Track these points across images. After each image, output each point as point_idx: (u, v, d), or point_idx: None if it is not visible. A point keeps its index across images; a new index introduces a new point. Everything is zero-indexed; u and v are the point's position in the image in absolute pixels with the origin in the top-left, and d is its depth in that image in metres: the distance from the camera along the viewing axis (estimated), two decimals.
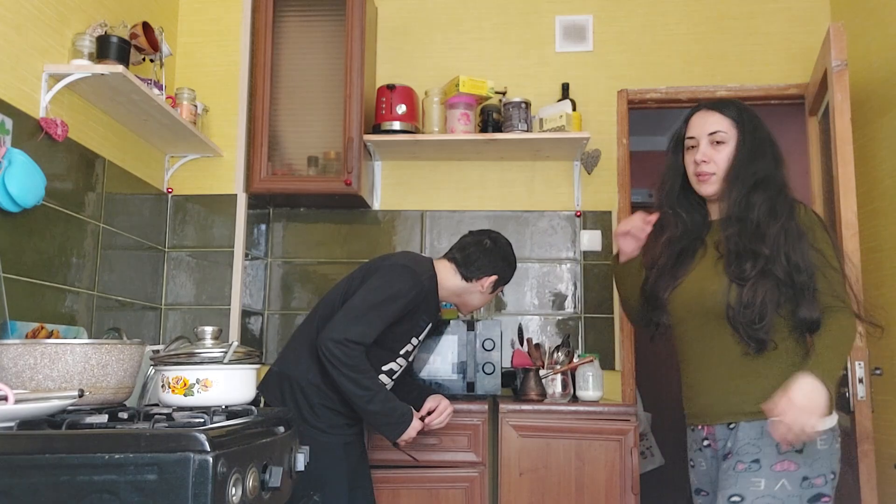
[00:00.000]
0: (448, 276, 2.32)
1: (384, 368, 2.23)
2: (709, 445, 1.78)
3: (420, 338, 2.31)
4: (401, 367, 2.29)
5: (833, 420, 1.66)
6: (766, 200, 1.72)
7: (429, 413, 2.29)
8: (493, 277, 2.33)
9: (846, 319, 1.69)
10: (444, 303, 2.43)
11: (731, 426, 1.71)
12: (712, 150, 1.78)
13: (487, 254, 2.33)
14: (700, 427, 1.80)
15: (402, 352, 2.25)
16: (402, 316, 2.17)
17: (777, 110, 3.60)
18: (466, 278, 2.32)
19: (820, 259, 1.69)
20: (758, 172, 1.75)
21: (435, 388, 2.72)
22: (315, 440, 2.06)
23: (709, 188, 1.80)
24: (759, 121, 1.82)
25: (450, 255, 2.36)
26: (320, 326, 2.15)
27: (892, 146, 2.57)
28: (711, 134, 1.79)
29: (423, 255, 2.56)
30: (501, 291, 2.51)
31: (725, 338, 1.73)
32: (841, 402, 2.61)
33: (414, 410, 2.19)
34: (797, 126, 3.37)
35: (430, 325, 2.32)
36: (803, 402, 1.54)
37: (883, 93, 2.64)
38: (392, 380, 2.28)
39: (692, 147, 1.82)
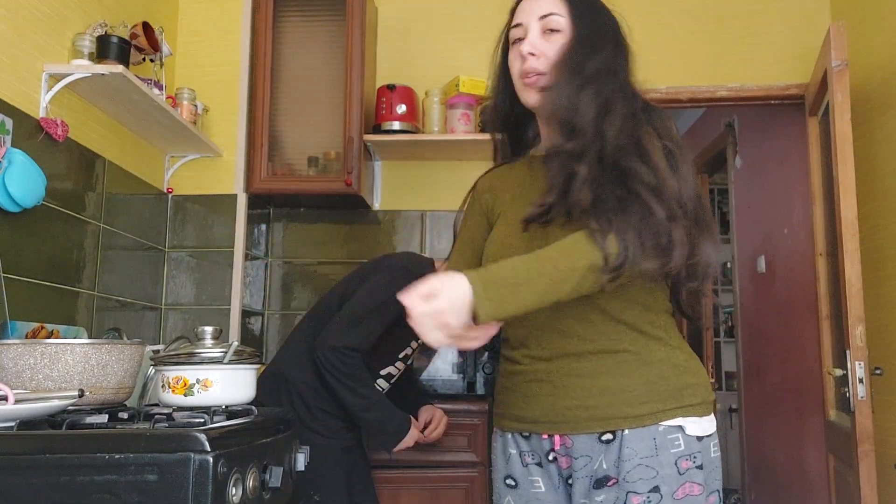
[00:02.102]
0: None
1: (382, 373, 2.22)
2: (554, 460, 1.30)
3: (420, 341, 2.31)
4: (399, 370, 2.28)
5: (714, 422, 1.30)
6: (594, 99, 1.23)
7: (426, 426, 2.28)
8: None
9: (581, 239, 1.14)
10: None
11: (605, 437, 1.24)
12: (543, 40, 1.31)
13: None
14: (544, 435, 1.29)
15: (400, 356, 2.24)
16: (401, 320, 2.16)
17: (777, 110, 3.61)
18: None
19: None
20: (594, 65, 1.27)
21: (436, 387, 2.72)
22: (312, 443, 2.06)
23: (534, 95, 1.32)
24: (600, 1, 1.36)
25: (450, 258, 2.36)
26: (317, 329, 2.15)
27: (892, 146, 2.57)
28: (543, 18, 1.31)
29: (424, 255, 2.55)
30: None
31: (581, 315, 1.27)
32: (841, 401, 2.61)
33: (413, 420, 2.18)
34: (797, 126, 3.38)
35: None
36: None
37: (883, 93, 2.64)
38: (390, 384, 2.27)
39: (518, 40, 1.34)
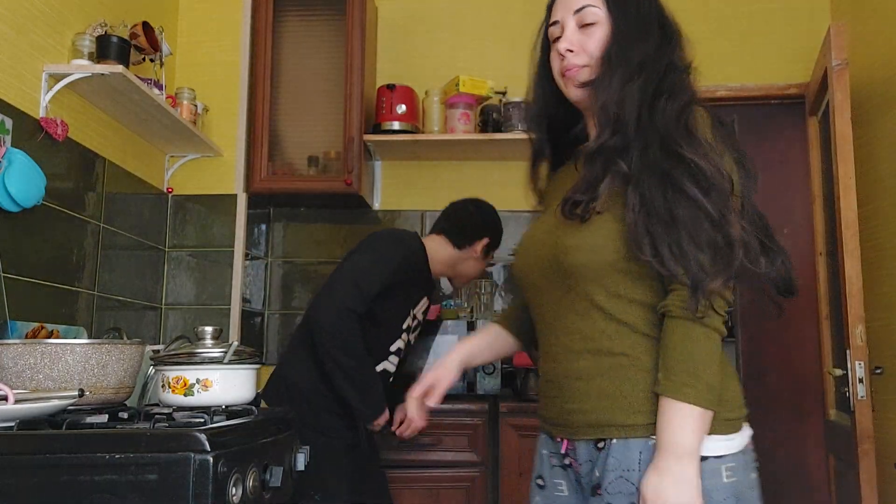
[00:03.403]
0: (440, 249, 2.33)
1: (392, 349, 2.23)
2: (570, 465, 1.27)
3: (417, 312, 2.30)
4: (406, 343, 2.30)
5: (737, 440, 1.16)
6: (640, 92, 1.20)
7: (401, 423, 2.27)
8: (485, 241, 2.36)
9: (687, 330, 1.11)
10: (439, 278, 2.45)
11: (601, 445, 1.19)
12: (581, 34, 1.27)
13: (474, 219, 2.37)
14: (558, 438, 1.28)
15: (404, 327, 2.26)
16: (393, 285, 2.16)
17: (777, 110, 3.60)
18: (458, 246, 2.34)
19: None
20: (638, 56, 1.23)
21: None
22: (314, 443, 2.06)
23: (576, 91, 1.28)
24: None
25: (438, 228, 2.39)
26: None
27: (892, 146, 2.57)
28: (579, 12, 1.27)
29: (406, 229, 2.58)
30: (492, 258, 2.51)
31: (584, 311, 1.22)
32: (841, 401, 2.61)
33: (387, 412, 2.17)
34: (797, 126, 3.37)
35: (425, 298, 2.32)
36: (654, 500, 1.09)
37: (883, 93, 2.63)
38: (399, 359, 2.28)
39: (557, 38, 1.30)
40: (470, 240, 2.35)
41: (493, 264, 2.80)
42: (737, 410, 1.18)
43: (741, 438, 1.16)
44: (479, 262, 2.40)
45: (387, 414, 2.16)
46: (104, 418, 1.58)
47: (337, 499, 2.11)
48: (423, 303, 2.32)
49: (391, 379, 2.27)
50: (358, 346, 2.07)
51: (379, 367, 2.22)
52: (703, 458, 1.11)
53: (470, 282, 2.55)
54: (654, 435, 1.13)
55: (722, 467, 1.13)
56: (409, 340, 2.31)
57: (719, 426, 1.13)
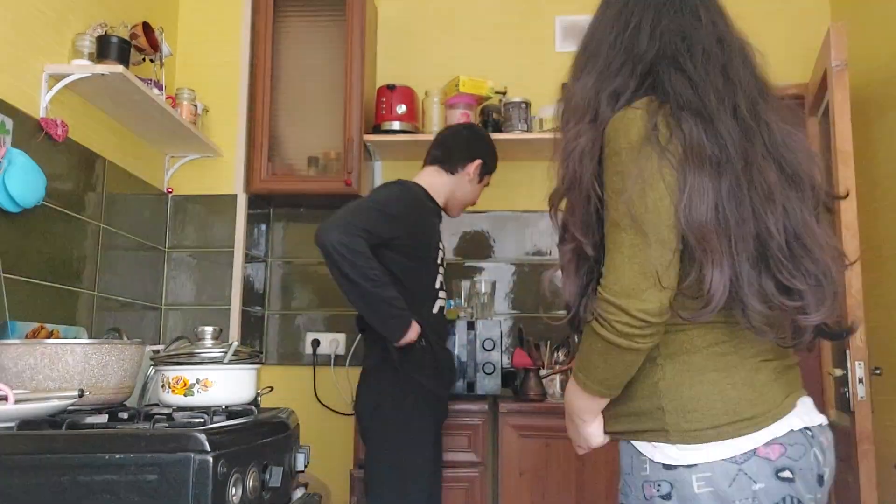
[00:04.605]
0: (433, 179, 2.34)
1: (436, 285, 2.26)
2: None
3: (440, 243, 2.32)
4: (443, 278, 2.33)
5: (709, 451, 1.12)
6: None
7: None
8: (478, 162, 2.34)
9: (588, 337, 1.17)
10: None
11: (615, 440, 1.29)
12: None
13: (465, 140, 2.36)
14: None
15: (438, 261, 2.28)
16: (410, 216, 2.19)
17: None
18: (451, 171, 2.34)
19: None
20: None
21: None
22: (401, 384, 2.14)
23: None
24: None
25: (428, 158, 2.40)
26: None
27: (891, 146, 2.57)
28: None
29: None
30: (488, 183, 2.49)
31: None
32: (841, 401, 2.61)
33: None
34: (797, 126, 3.37)
35: (439, 223, 2.34)
36: (577, 440, 1.29)
37: (883, 93, 2.64)
38: (444, 291, 2.31)
39: None
40: (462, 162, 2.33)
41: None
42: (705, 421, 1.12)
43: (722, 449, 1.11)
44: (474, 186, 2.38)
45: (416, 328, 2.13)
46: (104, 418, 1.59)
47: (423, 444, 2.16)
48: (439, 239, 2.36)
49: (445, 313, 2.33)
50: (370, 263, 2.03)
51: (435, 308, 2.25)
52: (671, 467, 1.12)
53: (465, 208, 2.48)
54: (633, 440, 1.19)
55: (692, 477, 1.11)
56: (443, 275, 2.34)
57: (678, 436, 1.12)
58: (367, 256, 2.02)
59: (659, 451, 1.14)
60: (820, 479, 1.15)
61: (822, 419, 1.18)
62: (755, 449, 1.10)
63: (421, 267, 2.20)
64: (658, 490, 1.13)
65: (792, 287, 1.09)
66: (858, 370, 2.32)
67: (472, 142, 2.36)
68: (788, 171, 1.14)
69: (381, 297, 2.05)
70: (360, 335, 2.35)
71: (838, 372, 2.48)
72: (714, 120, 1.11)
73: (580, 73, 1.24)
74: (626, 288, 1.08)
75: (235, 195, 3.03)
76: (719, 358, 1.14)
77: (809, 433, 1.15)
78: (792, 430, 1.12)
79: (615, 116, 1.14)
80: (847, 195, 1.15)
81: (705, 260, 1.07)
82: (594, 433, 1.26)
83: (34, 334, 2.05)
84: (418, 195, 2.27)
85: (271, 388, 2.08)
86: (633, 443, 1.18)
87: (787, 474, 1.11)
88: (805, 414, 1.16)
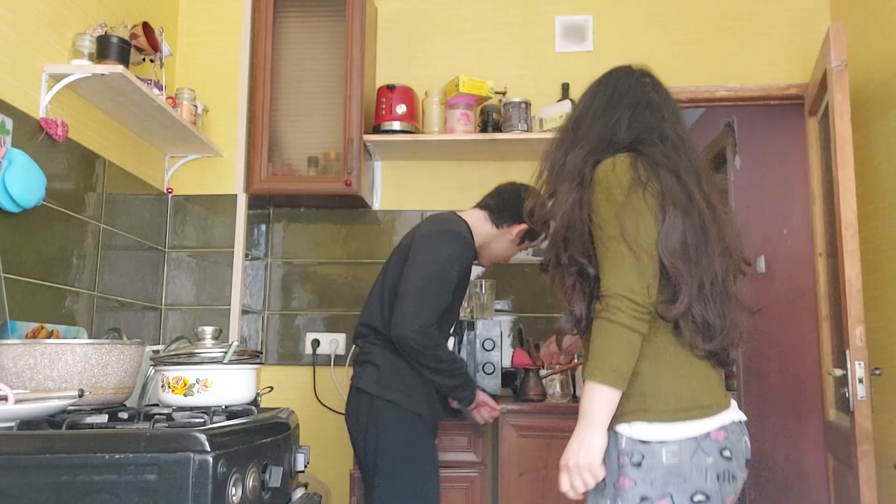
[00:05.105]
0: (479, 223, 2.34)
1: (450, 331, 2.31)
2: None
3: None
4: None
5: (680, 429, 1.43)
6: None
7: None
8: (524, 226, 2.33)
9: (601, 329, 1.43)
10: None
11: None
12: None
13: (520, 202, 2.30)
14: None
15: (460, 310, 2.36)
16: (459, 281, 2.21)
17: (777, 110, 3.60)
18: (497, 224, 2.34)
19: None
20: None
21: None
22: (404, 411, 2.16)
23: None
24: None
25: (482, 203, 2.40)
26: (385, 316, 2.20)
27: (891, 146, 2.57)
28: None
29: (445, 212, 2.56)
30: (528, 250, 2.50)
31: None
32: (841, 402, 2.61)
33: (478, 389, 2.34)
34: (797, 126, 3.38)
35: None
36: (565, 463, 1.46)
37: (883, 93, 2.64)
38: (451, 337, 2.40)
39: None
40: (509, 220, 2.33)
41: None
42: (676, 404, 1.44)
43: (687, 428, 1.43)
44: (511, 246, 2.38)
45: (480, 394, 2.29)
46: (104, 418, 1.59)
47: (432, 475, 2.17)
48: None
49: None
50: (444, 348, 2.15)
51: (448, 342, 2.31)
52: (645, 442, 1.43)
53: (495, 263, 2.51)
54: (614, 426, 1.45)
55: (662, 449, 1.42)
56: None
57: (655, 416, 1.43)
58: (442, 346, 2.15)
59: (636, 429, 1.44)
60: (747, 462, 1.51)
61: (743, 416, 1.54)
62: (709, 432, 1.44)
63: (452, 306, 2.23)
64: (630, 459, 1.43)
65: (708, 319, 1.47)
66: (858, 370, 2.32)
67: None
68: (724, 239, 1.53)
69: (458, 370, 2.20)
70: (353, 346, 2.39)
71: (838, 372, 2.48)
72: (684, 178, 1.50)
73: (573, 147, 1.60)
74: (630, 286, 1.41)
75: (235, 195, 3.03)
76: (684, 359, 1.48)
77: (741, 425, 1.51)
78: (732, 422, 1.48)
79: (604, 162, 1.51)
80: (750, 265, 1.63)
81: (676, 276, 1.44)
82: (602, 443, 1.43)
83: (34, 334, 2.05)
84: (468, 243, 2.26)
85: (271, 388, 2.09)
86: (615, 426, 1.45)
87: (727, 454, 1.45)
88: (735, 410, 1.51)
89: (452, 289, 2.16)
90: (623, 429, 1.45)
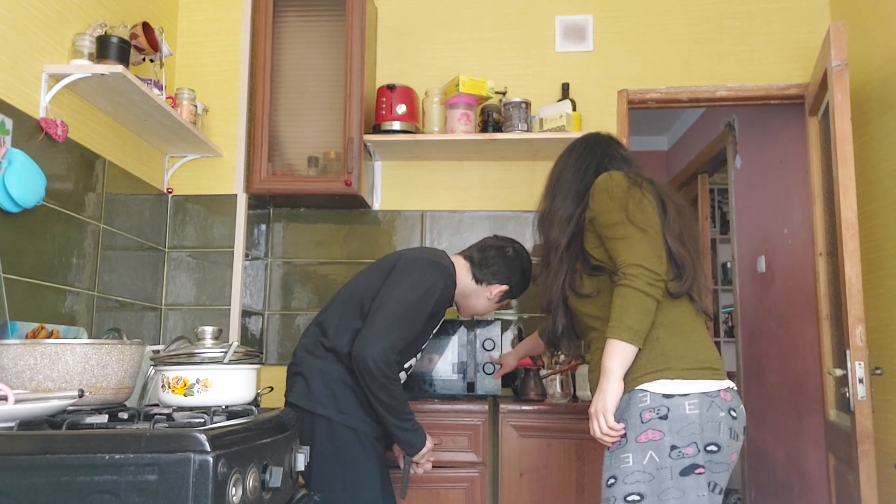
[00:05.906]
0: (461, 274, 2.26)
1: (406, 366, 2.18)
2: None
3: (435, 331, 2.26)
4: (416, 360, 2.26)
5: (698, 385, 1.64)
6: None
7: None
8: (504, 287, 2.27)
9: (619, 294, 1.67)
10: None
11: None
12: None
13: (506, 262, 2.26)
14: None
15: (423, 346, 2.23)
16: (431, 315, 2.12)
17: (777, 110, 3.61)
18: (477, 280, 2.27)
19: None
20: None
21: (436, 388, 2.72)
22: (344, 435, 2.05)
23: None
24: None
25: (467, 254, 2.31)
26: (341, 329, 2.11)
27: (891, 146, 2.57)
28: None
29: (433, 248, 2.50)
30: (509, 304, 2.43)
31: None
32: (841, 401, 2.61)
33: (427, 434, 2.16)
34: (797, 126, 3.38)
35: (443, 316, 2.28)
36: (592, 410, 1.67)
37: (883, 93, 2.64)
38: (406, 375, 2.24)
39: None
40: (490, 279, 2.26)
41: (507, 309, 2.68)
42: (693, 363, 1.66)
43: (703, 385, 1.64)
44: (490, 304, 2.32)
45: (429, 444, 2.12)
46: (104, 418, 1.59)
47: (370, 485, 2.07)
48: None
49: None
50: (398, 384, 2.03)
51: (406, 364, 2.18)
52: (669, 396, 1.62)
53: (472, 315, 2.45)
54: (633, 386, 1.66)
55: (685, 402, 1.62)
56: (418, 358, 2.28)
57: (676, 373, 1.64)
58: (396, 381, 2.03)
59: (658, 386, 1.63)
60: (744, 429, 1.71)
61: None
62: (719, 391, 1.66)
63: (418, 339, 2.14)
64: (657, 413, 1.61)
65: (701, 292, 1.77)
66: (858, 370, 2.32)
67: (510, 266, 2.26)
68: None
69: (406, 414, 2.06)
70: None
71: (838, 372, 2.48)
72: (668, 194, 1.80)
73: (559, 195, 1.89)
74: (646, 258, 1.64)
75: (235, 195, 3.03)
76: (694, 328, 1.73)
77: (737, 394, 1.72)
78: (731, 388, 1.70)
79: (601, 177, 1.80)
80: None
81: (680, 259, 1.73)
82: (619, 389, 1.65)
83: (34, 334, 2.05)
84: (452, 283, 2.19)
85: (271, 388, 2.08)
86: (636, 387, 1.64)
87: (734, 413, 1.66)
88: (729, 381, 1.73)
89: (425, 320, 2.08)
90: (647, 386, 1.64)
